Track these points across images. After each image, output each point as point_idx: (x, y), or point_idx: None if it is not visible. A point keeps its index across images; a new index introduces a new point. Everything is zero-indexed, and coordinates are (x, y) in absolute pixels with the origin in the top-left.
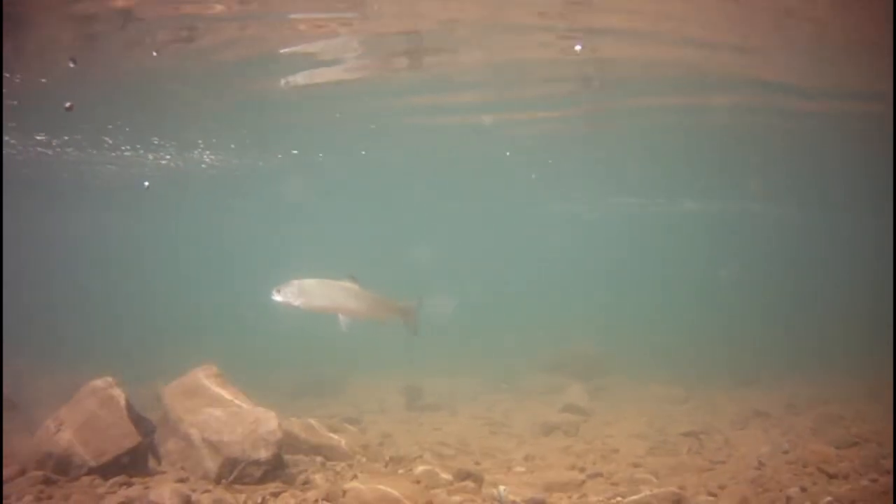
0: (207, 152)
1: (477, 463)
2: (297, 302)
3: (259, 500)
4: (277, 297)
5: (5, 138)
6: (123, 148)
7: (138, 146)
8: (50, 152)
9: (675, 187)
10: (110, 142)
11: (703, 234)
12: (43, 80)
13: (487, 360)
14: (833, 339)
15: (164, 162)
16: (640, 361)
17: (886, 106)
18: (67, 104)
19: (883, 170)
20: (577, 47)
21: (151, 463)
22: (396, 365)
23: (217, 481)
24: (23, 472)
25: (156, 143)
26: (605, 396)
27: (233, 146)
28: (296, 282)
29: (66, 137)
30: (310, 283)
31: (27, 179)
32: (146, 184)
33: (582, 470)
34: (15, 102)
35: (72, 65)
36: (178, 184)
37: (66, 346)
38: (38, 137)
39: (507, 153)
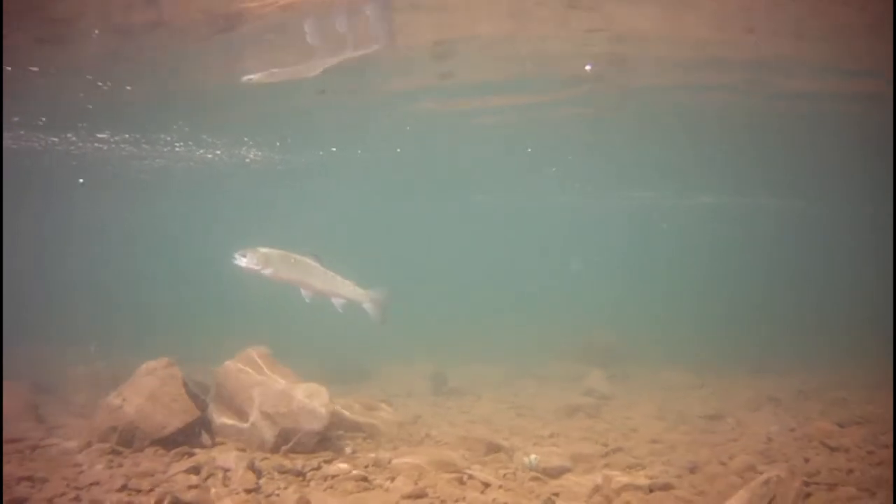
0: (254, 149)
1: (505, 439)
2: (263, 270)
3: (315, 465)
4: (241, 262)
5: (67, 135)
6: (177, 144)
7: (191, 142)
8: (105, 147)
9: (687, 180)
10: (168, 139)
11: (712, 227)
12: (128, 88)
13: (509, 350)
14: (845, 329)
15: (210, 156)
16: (656, 350)
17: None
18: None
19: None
20: (588, 67)
21: (204, 437)
22: (420, 353)
23: (274, 450)
24: (89, 445)
25: (207, 140)
26: (624, 382)
27: (278, 144)
28: (262, 249)
29: (126, 135)
30: (276, 253)
31: (72, 172)
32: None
33: (605, 445)
34: (90, 106)
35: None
36: (212, 176)
37: (103, 334)
38: (101, 135)
39: (529, 149)
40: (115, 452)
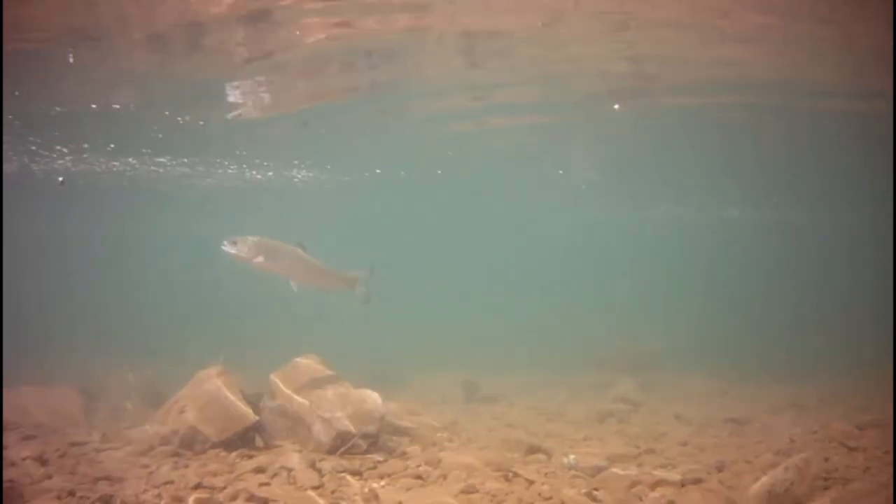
0: (304, 171)
1: (542, 442)
2: (253, 258)
3: (371, 465)
4: (231, 250)
5: (129, 159)
6: (231, 166)
7: (245, 165)
8: (161, 170)
9: (715, 194)
10: (225, 162)
11: (737, 238)
12: (201, 123)
13: (540, 358)
14: (870, 335)
15: (260, 177)
16: (683, 358)
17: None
18: (60, 179)
19: None
20: (616, 106)
21: (258, 441)
22: (452, 361)
23: (330, 452)
24: (151, 448)
25: (262, 164)
26: (653, 389)
27: (329, 167)
28: (251, 238)
29: (185, 160)
30: (264, 242)
31: (123, 191)
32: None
33: (637, 447)
34: (160, 136)
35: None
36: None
37: (151, 343)
38: (160, 160)
39: (560, 171)
40: (177, 455)
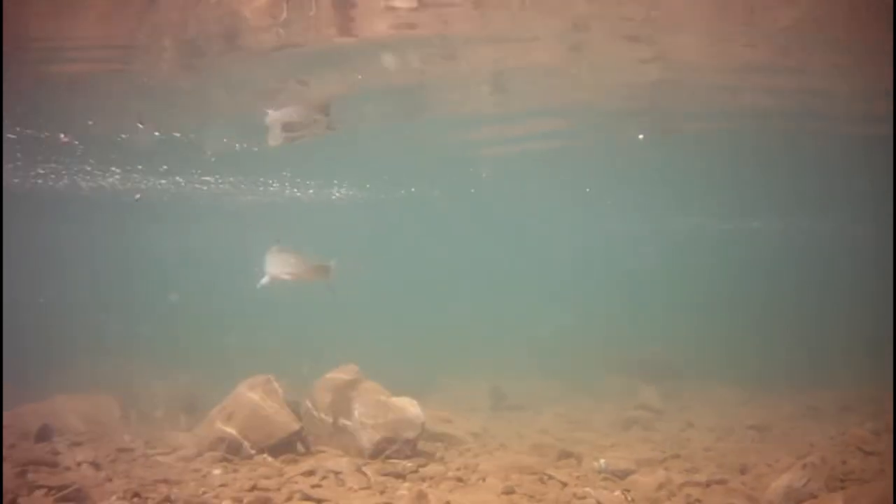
0: (343, 189)
1: (572, 448)
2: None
3: (413, 468)
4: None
5: (176, 178)
6: (273, 184)
7: (286, 183)
8: (205, 188)
9: (742, 205)
10: (269, 181)
11: (758, 249)
12: (255, 149)
13: (564, 367)
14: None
15: (299, 194)
16: (705, 367)
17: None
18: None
19: None
20: (640, 136)
21: (300, 447)
22: (477, 368)
23: (373, 457)
24: (199, 454)
25: (303, 181)
26: (676, 397)
27: (368, 186)
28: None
29: (231, 179)
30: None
31: (163, 206)
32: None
33: (662, 452)
34: (213, 159)
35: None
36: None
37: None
38: (207, 178)
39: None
40: (226, 460)
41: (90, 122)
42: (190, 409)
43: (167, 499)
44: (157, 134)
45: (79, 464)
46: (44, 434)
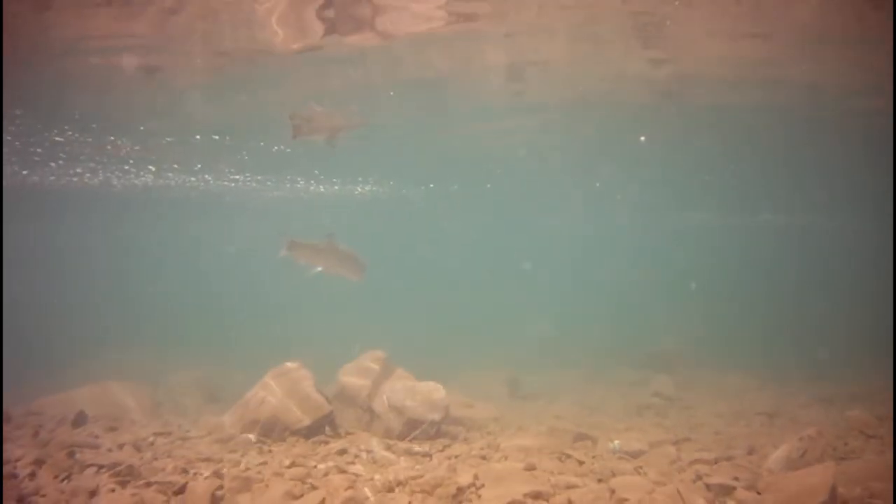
0: (368, 186)
1: (587, 431)
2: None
3: (440, 448)
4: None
5: (205, 176)
6: (300, 181)
7: (313, 181)
8: (233, 185)
9: (748, 199)
10: (297, 179)
11: (771, 242)
12: (288, 150)
13: (579, 357)
14: None
15: (322, 189)
16: (718, 357)
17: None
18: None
19: None
20: (642, 138)
21: (328, 430)
22: (493, 359)
23: (400, 438)
24: (232, 437)
25: (331, 179)
26: (688, 385)
27: (392, 182)
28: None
29: (259, 177)
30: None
31: (190, 202)
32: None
33: (675, 435)
34: (247, 157)
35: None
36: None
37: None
38: (235, 176)
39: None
40: (260, 442)
41: (141, 128)
42: (218, 397)
43: (216, 473)
44: (197, 137)
45: (120, 446)
46: (80, 420)
